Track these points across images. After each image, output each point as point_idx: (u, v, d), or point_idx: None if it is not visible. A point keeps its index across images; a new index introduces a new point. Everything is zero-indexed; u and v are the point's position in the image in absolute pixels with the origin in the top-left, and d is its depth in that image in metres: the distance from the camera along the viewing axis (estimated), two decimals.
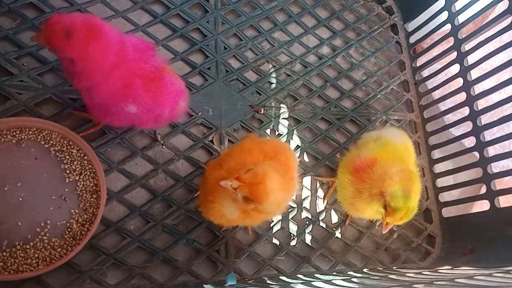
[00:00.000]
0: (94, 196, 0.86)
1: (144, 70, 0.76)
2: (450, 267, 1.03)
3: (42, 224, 0.81)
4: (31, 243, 0.79)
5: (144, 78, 0.76)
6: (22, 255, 0.78)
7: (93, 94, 0.74)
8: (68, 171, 0.85)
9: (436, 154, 1.22)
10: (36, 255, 0.79)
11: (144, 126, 0.86)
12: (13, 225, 0.79)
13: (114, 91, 0.74)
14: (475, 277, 0.76)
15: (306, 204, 1.07)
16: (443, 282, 0.73)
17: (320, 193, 1.09)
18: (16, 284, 0.78)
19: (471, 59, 1.12)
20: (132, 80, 0.74)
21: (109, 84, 0.73)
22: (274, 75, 1.15)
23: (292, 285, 0.83)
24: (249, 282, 0.90)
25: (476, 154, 1.08)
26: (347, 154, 1.00)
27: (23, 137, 0.84)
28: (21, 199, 0.81)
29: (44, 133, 0.86)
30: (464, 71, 1.12)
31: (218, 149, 1.01)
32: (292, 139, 1.11)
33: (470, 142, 1.12)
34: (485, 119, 1.08)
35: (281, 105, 1.12)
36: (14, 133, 0.84)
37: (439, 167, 1.21)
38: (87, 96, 0.76)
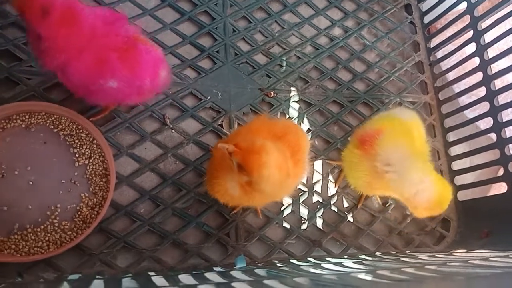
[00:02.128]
0: (103, 180, 0.86)
1: (117, 43, 0.75)
2: (465, 250, 1.00)
3: (52, 208, 0.82)
4: (42, 226, 0.80)
5: (118, 50, 0.74)
6: (33, 238, 0.79)
7: (68, 74, 0.73)
8: (77, 155, 0.85)
9: (452, 136, 1.19)
10: (47, 238, 0.79)
11: (129, 100, 0.83)
12: (23, 208, 0.80)
13: (88, 69, 0.72)
14: (490, 258, 0.74)
15: (317, 188, 1.06)
16: (457, 263, 0.72)
17: (332, 177, 1.07)
18: (28, 266, 0.78)
19: (488, 37, 1.08)
20: (106, 55, 0.73)
21: (82, 63, 0.72)
22: (284, 57, 1.13)
23: (301, 267, 0.82)
24: (259, 265, 0.90)
25: (493, 135, 1.05)
26: (353, 135, 0.98)
27: (32, 121, 0.85)
28: (31, 183, 0.82)
29: (53, 118, 0.86)
30: (480, 50, 1.09)
31: (227, 132, 1.00)
32: (303, 122, 1.09)
33: (486, 123, 1.08)
34: (502, 99, 1.05)
35: (292, 88, 1.11)
36: (24, 118, 0.85)
37: (455, 150, 1.18)
38: (65, 78, 0.74)
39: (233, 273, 0.75)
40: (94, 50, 0.72)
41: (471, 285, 0.51)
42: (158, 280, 0.69)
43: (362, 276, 0.58)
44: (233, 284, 0.56)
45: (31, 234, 0.79)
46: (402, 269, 0.64)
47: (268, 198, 0.79)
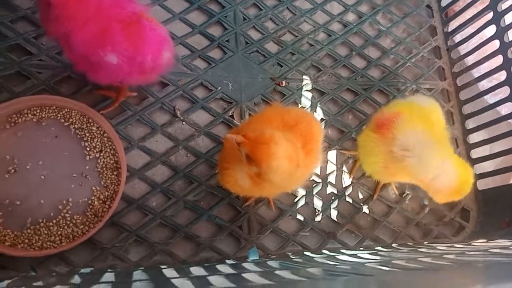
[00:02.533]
0: (114, 173, 0.86)
1: (121, 15, 0.74)
2: (485, 240, 0.97)
3: (64, 202, 0.82)
4: (54, 221, 0.80)
5: (122, 22, 0.73)
6: (45, 232, 0.79)
7: (71, 43, 0.72)
8: (88, 149, 0.85)
9: (471, 123, 1.15)
10: (59, 232, 0.80)
11: (130, 79, 0.81)
12: (36, 203, 0.80)
13: (90, 38, 0.71)
14: (511, 247, 0.71)
15: (332, 179, 1.03)
16: (476, 252, 0.69)
17: (346, 167, 1.05)
18: (41, 261, 0.79)
19: (508, 19, 1.03)
20: (109, 25, 0.72)
21: (85, 32, 0.71)
22: (296, 45, 1.10)
23: (315, 258, 0.80)
24: (272, 257, 0.89)
25: None
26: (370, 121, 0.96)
27: (43, 115, 0.85)
28: (43, 177, 0.82)
29: (63, 111, 0.86)
30: (501, 32, 1.04)
31: (238, 124, 0.99)
32: (316, 111, 1.07)
33: (507, 109, 1.04)
34: None
35: (304, 76, 1.08)
36: (35, 112, 0.84)
37: (474, 137, 1.14)
38: (67, 48, 0.74)
39: (245, 265, 0.74)
40: (99, 20, 0.72)
41: (490, 272, 0.48)
42: (169, 272, 0.69)
43: (377, 265, 0.56)
44: (243, 275, 0.55)
45: (43, 229, 0.79)
46: (419, 259, 0.62)
47: (278, 189, 0.78)
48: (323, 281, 0.50)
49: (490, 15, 1.08)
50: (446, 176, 0.79)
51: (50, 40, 0.73)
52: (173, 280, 0.56)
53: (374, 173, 0.94)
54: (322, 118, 1.06)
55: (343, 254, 0.87)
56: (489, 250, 0.73)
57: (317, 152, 0.82)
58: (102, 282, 0.60)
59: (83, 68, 0.78)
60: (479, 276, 0.46)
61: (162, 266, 0.79)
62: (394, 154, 0.84)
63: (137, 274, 0.69)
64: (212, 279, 0.55)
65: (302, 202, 0.99)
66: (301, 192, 0.99)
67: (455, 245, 0.93)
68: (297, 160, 0.69)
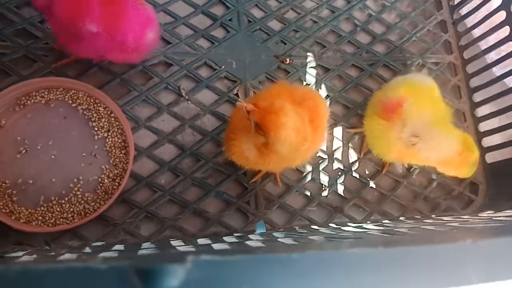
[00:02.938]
0: (123, 151, 0.88)
1: None
2: (492, 212, 0.97)
3: (75, 180, 0.84)
4: (66, 198, 0.82)
5: None
6: (58, 209, 0.81)
7: (52, 13, 0.74)
8: (96, 129, 0.87)
9: (478, 97, 1.14)
10: (71, 209, 0.82)
11: (111, 55, 0.82)
12: (48, 181, 0.83)
13: (69, 8, 0.73)
14: None
15: (338, 155, 1.04)
16: (480, 220, 0.70)
17: (353, 143, 1.05)
18: (55, 237, 0.81)
19: None
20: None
21: (64, 2, 0.73)
22: (299, 22, 1.10)
23: (320, 230, 0.81)
24: (280, 230, 0.90)
25: None
26: (371, 99, 0.96)
27: (51, 97, 0.87)
28: (53, 156, 0.84)
29: (71, 93, 0.88)
30: (506, 3, 1.03)
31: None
32: (320, 88, 1.07)
33: None
34: None
35: (308, 53, 1.08)
36: (43, 94, 0.86)
37: (482, 111, 1.13)
38: (52, 20, 0.76)
39: (251, 236, 0.75)
40: None
41: (484, 230, 0.49)
42: (176, 243, 0.71)
43: (380, 233, 0.57)
44: (246, 242, 0.56)
45: (56, 206, 0.81)
46: (422, 227, 0.63)
47: (283, 162, 0.78)
48: (328, 243, 0.51)
49: None
50: (452, 146, 0.80)
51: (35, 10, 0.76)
52: (178, 248, 0.58)
53: (382, 155, 0.95)
54: (327, 95, 1.07)
55: (349, 226, 0.88)
56: (493, 218, 0.73)
57: (323, 129, 0.82)
58: (111, 250, 0.62)
59: (66, 41, 0.79)
60: (472, 233, 0.47)
61: (171, 239, 0.81)
62: (404, 141, 0.85)
63: (145, 245, 0.71)
64: (215, 245, 0.56)
65: (308, 178, 1.00)
66: (308, 168, 1.00)
67: (461, 216, 0.94)
68: (305, 133, 0.70)
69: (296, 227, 0.93)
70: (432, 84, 0.95)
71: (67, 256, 0.58)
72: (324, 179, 1.01)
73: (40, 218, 0.80)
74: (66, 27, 0.76)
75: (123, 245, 0.74)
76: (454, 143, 0.82)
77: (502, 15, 1.05)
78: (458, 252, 0.35)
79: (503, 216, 0.72)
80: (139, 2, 0.79)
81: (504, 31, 1.05)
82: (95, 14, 0.74)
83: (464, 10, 1.19)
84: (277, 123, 0.65)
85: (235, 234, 0.85)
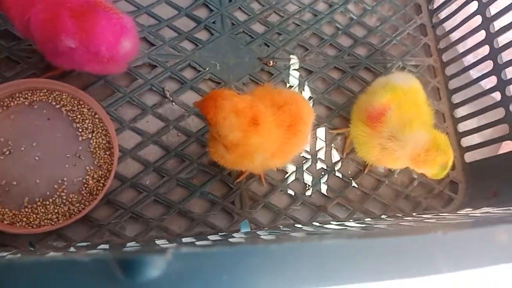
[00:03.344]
0: (107, 153, 0.88)
1: (72, 4, 0.76)
2: (471, 209, 1.00)
3: (60, 181, 0.84)
4: (51, 199, 0.83)
5: (71, 11, 0.75)
6: (42, 210, 0.81)
7: (30, 30, 0.76)
8: (80, 130, 0.87)
9: (457, 98, 1.17)
10: (56, 210, 0.82)
11: (89, 67, 0.83)
12: (32, 183, 0.83)
13: (43, 24, 0.75)
14: (491, 212, 0.74)
15: (321, 155, 1.06)
16: (457, 217, 0.72)
17: (335, 143, 1.07)
18: (39, 238, 0.81)
19: None
20: (57, 12, 0.75)
21: (37, 17, 0.74)
22: (282, 25, 1.12)
23: (303, 228, 0.83)
24: (264, 229, 0.91)
25: (498, 94, 1.03)
26: (356, 102, 0.98)
27: (35, 98, 0.87)
28: (37, 158, 0.84)
29: (55, 94, 0.88)
30: (482, 8, 1.06)
31: None
32: (304, 90, 1.09)
33: (491, 82, 1.06)
34: (505, 57, 1.02)
35: (291, 56, 1.10)
36: (26, 95, 0.87)
37: (460, 112, 1.17)
38: (28, 34, 0.78)
39: (234, 235, 0.76)
40: (48, 7, 0.75)
41: (456, 223, 0.51)
42: (161, 242, 0.71)
43: (358, 229, 0.59)
44: (230, 239, 0.58)
45: (40, 207, 0.82)
46: (400, 223, 0.65)
47: (250, 155, 0.77)
48: (306, 237, 0.52)
49: None
50: (420, 141, 0.82)
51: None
52: (162, 245, 0.59)
53: (367, 159, 0.98)
54: (310, 96, 1.09)
55: (331, 224, 0.90)
56: (470, 215, 0.75)
57: (304, 134, 0.84)
58: (97, 249, 0.63)
59: (49, 56, 0.81)
60: (443, 226, 0.49)
61: (156, 239, 0.82)
62: (385, 147, 0.88)
63: (130, 244, 0.72)
64: (199, 243, 0.57)
65: (292, 178, 1.01)
66: (292, 168, 1.02)
67: (440, 214, 0.96)
68: (251, 116, 0.71)
69: (281, 226, 0.95)
70: (415, 85, 0.96)
71: (52, 254, 0.59)
72: (308, 178, 1.03)
73: (25, 219, 0.80)
74: (46, 45, 0.78)
75: (108, 245, 0.75)
76: (421, 139, 0.83)
77: (478, 20, 1.08)
78: (429, 243, 0.36)
79: (478, 213, 0.75)
80: (112, 12, 0.79)
81: (480, 35, 1.08)
82: (69, 28, 0.75)
83: (443, 14, 1.23)
84: (214, 106, 0.68)
85: (220, 234, 0.86)
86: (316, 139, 1.06)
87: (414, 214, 1.06)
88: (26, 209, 0.81)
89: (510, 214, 0.65)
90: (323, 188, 1.03)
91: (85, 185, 0.85)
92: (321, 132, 1.07)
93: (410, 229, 0.47)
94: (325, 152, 1.06)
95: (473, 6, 1.10)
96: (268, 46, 1.09)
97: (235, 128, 0.69)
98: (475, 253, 0.38)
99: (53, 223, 0.81)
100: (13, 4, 0.76)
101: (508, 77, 1.01)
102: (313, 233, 0.58)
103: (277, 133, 0.76)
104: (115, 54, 0.80)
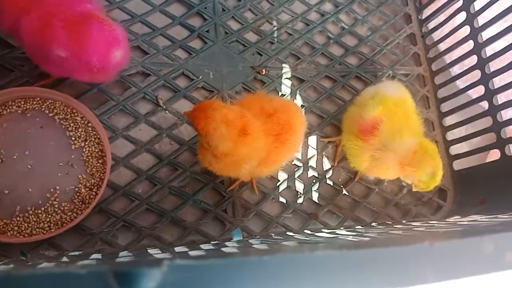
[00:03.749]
0: (100, 161, 0.88)
1: (65, 14, 0.77)
2: (459, 217, 1.02)
3: (52, 190, 0.84)
4: (43, 208, 0.82)
5: (64, 21, 0.76)
6: (34, 219, 0.81)
7: (20, 36, 0.76)
8: (73, 138, 0.88)
9: (446, 107, 1.20)
10: (48, 219, 0.82)
11: (79, 75, 0.83)
12: (24, 191, 0.83)
13: (35, 33, 0.76)
14: (479, 220, 0.76)
15: (312, 163, 1.07)
16: (445, 225, 0.73)
17: (327, 151, 1.09)
18: (31, 247, 0.81)
19: (478, 5, 1.08)
20: (50, 22, 0.75)
21: (30, 25, 0.75)
22: (275, 34, 1.13)
23: (295, 236, 0.84)
24: (256, 237, 0.92)
25: (485, 103, 1.06)
26: (347, 113, 0.99)
27: (28, 107, 0.87)
28: (29, 166, 0.84)
29: (48, 102, 0.88)
30: (470, 18, 1.09)
31: None
32: (296, 98, 1.10)
33: (479, 92, 1.09)
34: (492, 67, 1.05)
35: (283, 65, 1.11)
36: (19, 104, 0.87)
37: (449, 120, 1.19)
38: (19, 40, 0.79)
39: (227, 243, 0.77)
40: (40, 14, 0.75)
41: (444, 233, 0.52)
42: (153, 251, 0.72)
43: (349, 238, 0.60)
44: (222, 249, 0.58)
45: (32, 216, 0.81)
46: (390, 232, 0.66)
47: (238, 163, 0.78)
48: (297, 247, 0.53)
49: (460, 2, 1.12)
50: (408, 146, 0.83)
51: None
52: (155, 255, 0.59)
53: (361, 170, 1.00)
54: (302, 105, 1.10)
55: (323, 232, 0.91)
56: (458, 223, 0.77)
57: (293, 143, 0.84)
58: (89, 259, 0.63)
59: (37, 61, 0.82)
60: (431, 236, 0.50)
61: (149, 248, 0.82)
62: (377, 157, 0.89)
63: (123, 253, 0.72)
64: (192, 252, 0.58)
65: (284, 186, 1.02)
66: (283, 175, 1.03)
67: (429, 222, 0.98)
68: (241, 127, 0.72)
69: (272, 234, 0.95)
70: (405, 95, 0.98)
71: (45, 265, 0.59)
72: (300, 186, 1.04)
73: (16, 228, 0.80)
74: (36, 51, 0.79)
75: (100, 254, 0.75)
76: (410, 145, 0.85)
77: (466, 30, 1.11)
78: (416, 254, 0.37)
79: (466, 221, 0.76)
80: (105, 23, 0.80)
81: (467, 46, 1.11)
82: (61, 39, 0.76)
83: (432, 25, 1.25)
84: (204, 117, 0.69)
85: (212, 242, 0.86)
86: (308, 147, 1.07)
87: (403, 221, 1.08)
88: (18, 218, 0.81)
89: (496, 223, 0.67)
90: (315, 196, 1.04)
91: (78, 194, 0.85)
92: (312, 140, 1.09)
93: (399, 239, 0.48)
94: (317, 160, 1.08)
95: (462, 17, 1.12)
96: (261, 55, 1.11)
97: (226, 138, 0.71)
98: (462, 263, 0.39)
99: (45, 232, 0.81)
100: (8, 4, 0.76)
101: (496, 87, 1.03)
102: (305, 243, 0.59)
103: (264, 142, 0.77)
104: (106, 64, 0.81)
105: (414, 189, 0.89)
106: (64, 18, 0.76)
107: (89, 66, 0.79)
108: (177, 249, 0.73)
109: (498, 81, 1.05)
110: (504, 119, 1.01)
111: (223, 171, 0.83)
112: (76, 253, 0.80)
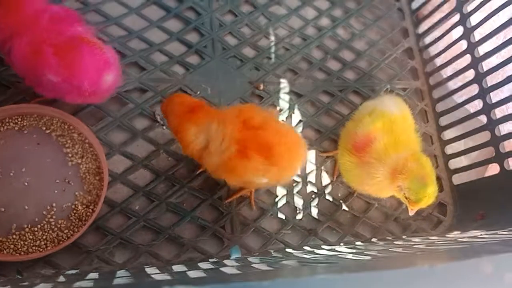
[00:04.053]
0: (97, 178, 0.88)
1: (56, 40, 0.77)
2: (459, 232, 1.01)
3: (48, 207, 0.83)
4: (39, 226, 0.82)
5: (55, 47, 0.76)
6: (30, 237, 0.80)
7: (12, 60, 0.77)
8: (70, 155, 0.87)
9: (444, 121, 1.19)
10: (44, 237, 0.81)
11: (70, 98, 0.84)
12: (20, 209, 0.82)
13: (26, 58, 0.76)
14: (479, 236, 0.75)
15: (311, 178, 1.06)
16: (446, 242, 0.73)
17: (325, 166, 1.08)
18: (27, 265, 0.80)
19: (474, 20, 1.09)
20: (40, 48, 0.75)
21: (21, 49, 0.75)
22: (272, 50, 1.14)
23: (294, 254, 0.83)
24: (254, 255, 0.91)
25: (483, 117, 1.06)
26: (344, 129, 0.98)
27: (25, 124, 0.87)
28: (26, 183, 0.84)
29: (45, 119, 0.88)
30: (467, 33, 1.09)
31: None
32: (293, 113, 1.10)
33: (476, 105, 1.09)
34: (490, 81, 1.05)
35: (281, 80, 1.12)
36: (16, 121, 0.86)
37: (448, 134, 1.19)
38: (10, 63, 0.80)
39: (226, 262, 0.76)
40: (31, 41, 0.76)
41: (445, 254, 0.52)
42: (151, 270, 0.71)
43: (350, 256, 0.59)
44: (221, 269, 0.57)
45: (28, 234, 0.81)
46: (390, 249, 0.65)
47: (181, 142, 0.83)
48: (297, 269, 0.52)
49: (457, 17, 1.13)
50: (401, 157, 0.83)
51: None
52: (153, 275, 0.58)
53: (355, 188, 1.00)
54: (300, 120, 1.10)
55: (322, 249, 0.90)
56: (458, 239, 0.76)
57: (257, 163, 0.78)
58: (86, 279, 0.62)
59: (29, 83, 0.82)
60: (432, 257, 0.50)
61: (146, 267, 0.81)
62: (371, 174, 0.88)
63: (120, 273, 0.71)
64: (191, 273, 0.57)
65: (283, 201, 1.02)
66: (282, 191, 1.02)
67: (430, 238, 0.97)
68: (191, 107, 0.80)
69: (272, 251, 0.94)
70: (404, 112, 0.95)
71: (42, 286, 0.58)
72: (298, 202, 1.03)
73: (12, 246, 0.79)
74: (27, 75, 0.79)
75: (97, 273, 0.74)
76: (403, 155, 0.84)
77: (463, 45, 1.11)
78: (417, 276, 0.37)
79: (466, 238, 0.75)
80: (96, 47, 0.80)
81: (464, 60, 1.11)
82: (52, 65, 0.76)
83: (429, 39, 1.26)
84: (167, 101, 0.83)
85: (210, 260, 0.85)
86: (307, 162, 1.06)
87: (403, 236, 1.07)
88: (14, 236, 0.80)
89: (496, 241, 0.66)
90: (314, 212, 1.03)
91: (74, 211, 0.84)
92: (311, 155, 1.08)
93: (399, 261, 0.48)
94: (315, 175, 1.07)
95: (459, 31, 1.13)
96: (259, 70, 1.11)
97: (176, 115, 0.80)
98: (461, 285, 0.38)
99: (41, 250, 0.80)
100: (2, 24, 0.76)
101: (494, 101, 1.03)
102: (305, 262, 0.58)
103: (220, 136, 0.78)
104: (97, 88, 0.82)
105: (410, 208, 0.87)
106: (55, 44, 0.76)
107: (80, 90, 0.80)
108: (175, 268, 0.72)
109: (495, 95, 1.05)
110: (502, 133, 1.01)
111: (218, 173, 0.84)
112: (73, 271, 0.79)
